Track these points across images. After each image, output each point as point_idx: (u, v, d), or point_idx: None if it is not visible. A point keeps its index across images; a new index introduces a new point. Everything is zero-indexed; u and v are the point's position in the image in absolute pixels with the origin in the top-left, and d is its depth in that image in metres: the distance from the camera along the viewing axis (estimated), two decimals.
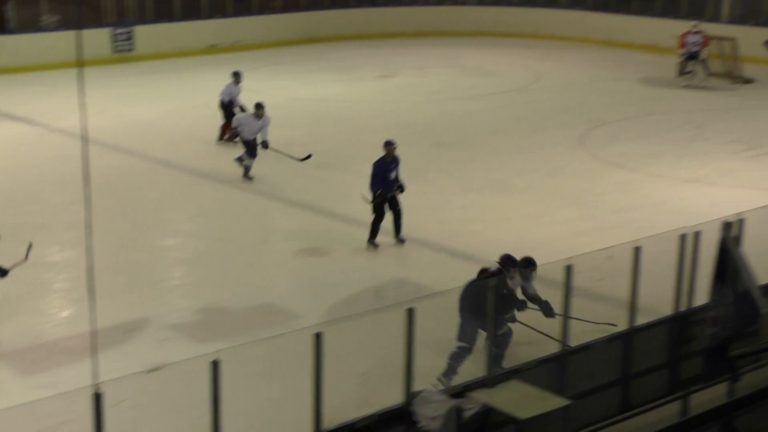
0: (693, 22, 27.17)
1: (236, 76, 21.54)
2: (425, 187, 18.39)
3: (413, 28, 34.50)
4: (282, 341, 11.23)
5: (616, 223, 16.20)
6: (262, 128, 18.97)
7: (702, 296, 10.15)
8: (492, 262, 11.71)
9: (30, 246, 12.36)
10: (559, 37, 33.75)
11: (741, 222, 11.23)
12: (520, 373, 9.60)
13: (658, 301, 11.18)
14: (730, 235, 8.95)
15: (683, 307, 10.94)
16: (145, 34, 29.16)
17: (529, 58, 30.96)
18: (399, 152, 19.89)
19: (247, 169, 19.10)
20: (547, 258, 13.29)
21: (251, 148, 19.05)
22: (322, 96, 26.21)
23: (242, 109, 20.99)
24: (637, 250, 10.48)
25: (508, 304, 11.06)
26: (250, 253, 15.63)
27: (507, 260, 11.57)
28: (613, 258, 14.10)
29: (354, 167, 20.12)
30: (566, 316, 10.16)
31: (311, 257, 15.36)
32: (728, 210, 12.90)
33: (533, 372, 9.68)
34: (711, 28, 28.61)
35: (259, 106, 18.99)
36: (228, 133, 21.13)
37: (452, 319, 11.11)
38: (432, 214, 17.02)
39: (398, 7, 35.52)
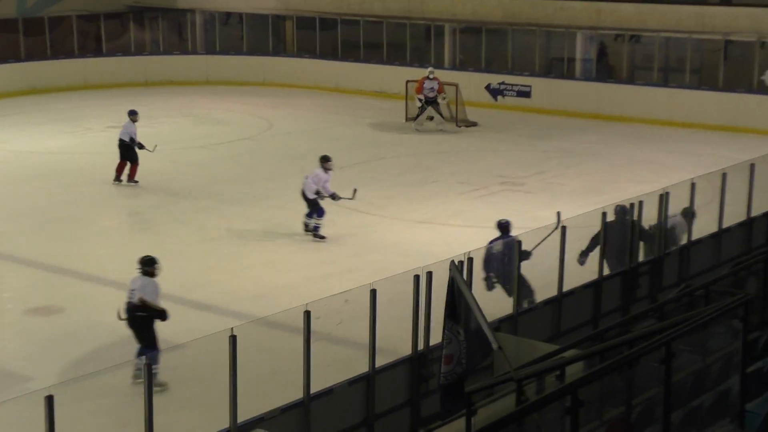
0: (429, 69, 28.05)
1: (133, 115, 21.80)
2: (161, 238, 18.13)
3: (142, 78, 33.99)
4: (11, 407, 10.67)
5: (353, 266, 16.40)
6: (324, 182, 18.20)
7: (438, 335, 10.37)
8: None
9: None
10: (289, 84, 34.10)
11: (470, 260, 11.62)
12: (263, 421, 9.50)
13: (396, 341, 11.34)
14: (459, 274, 9.16)
15: (421, 346, 11.14)
16: None
17: (261, 106, 31.07)
18: (131, 204, 19.47)
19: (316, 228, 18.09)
20: (288, 304, 13.30)
21: (316, 206, 18.12)
22: (48, 149, 25.37)
23: (141, 146, 21.39)
24: (373, 293, 10.62)
25: None
26: None
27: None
28: (351, 302, 14.29)
29: (86, 220, 19.65)
30: (307, 363, 10.13)
31: (43, 316, 14.78)
32: (460, 249, 13.31)
33: (277, 419, 9.61)
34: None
35: (326, 159, 18.33)
36: (122, 172, 21.54)
37: (196, 372, 10.91)
38: (169, 265, 16.62)
39: (125, 56, 34.93)
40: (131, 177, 21.69)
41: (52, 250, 17.59)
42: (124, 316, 12.62)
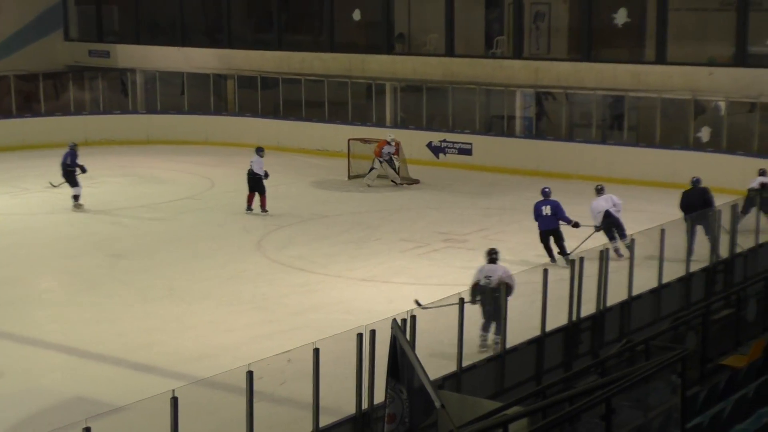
0: (390, 135, 28.11)
1: (260, 152, 24.72)
2: (102, 300, 17.95)
3: (82, 137, 33.71)
4: None
5: (296, 325, 16.32)
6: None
7: (382, 393, 10.34)
8: None
9: None
10: (231, 143, 34.06)
11: (414, 318, 11.63)
12: None
13: (340, 400, 11.30)
14: (401, 332, 9.17)
15: (365, 405, 11.11)
16: None
17: (203, 165, 30.99)
18: (72, 265, 19.30)
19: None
20: (231, 364, 13.18)
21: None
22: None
23: (266, 176, 24.18)
24: (316, 352, 10.57)
25: None
26: None
27: None
28: (294, 361, 14.21)
29: (25, 281, 19.39)
30: (250, 424, 10.04)
31: None
32: (403, 307, 13.31)
33: None
34: (375, 133, 29.88)
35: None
36: (252, 202, 24.23)
37: None
38: (110, 327, 16.54)
39: (65, 116, 34.73)
40: (263, 207, 24.11)
41: None
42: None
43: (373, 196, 26.64)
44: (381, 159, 27.47)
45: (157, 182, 28.74)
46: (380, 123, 31.94)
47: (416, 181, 28.10)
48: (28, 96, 35.20)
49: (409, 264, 20.08)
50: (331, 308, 17.32)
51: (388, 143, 27.62)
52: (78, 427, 8.73)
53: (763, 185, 21.32)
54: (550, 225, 19.72)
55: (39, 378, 14.70)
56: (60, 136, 33.47)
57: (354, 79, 32.80)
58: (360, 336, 10.95)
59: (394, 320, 9.28)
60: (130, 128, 35.03)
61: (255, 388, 9.99)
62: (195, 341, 15.74)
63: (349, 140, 29.16)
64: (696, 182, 20.56)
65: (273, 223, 23.09)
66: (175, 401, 9.31)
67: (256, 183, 24.31)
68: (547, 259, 18.68)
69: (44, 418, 13.04)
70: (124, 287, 18.74)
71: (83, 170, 24.83)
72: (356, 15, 33.50)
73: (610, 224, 20.02)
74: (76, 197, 24.98)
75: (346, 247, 21.39)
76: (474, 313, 13.06)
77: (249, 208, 24.29)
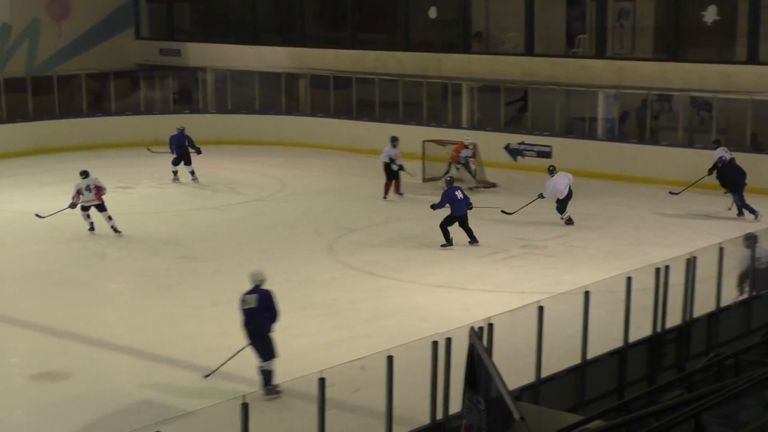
0: (467, 138, 27.72)
1: (394, 141, 26.07)
2: (171, 302, 17.86)
3: (152, 137, 33.79)
4: None
5: (369, 331, 16.01)
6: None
7: (457, 403, 10.00)
8: None
9: None
10: (302, 144, 33.89)
11: (491, 326, 11.26)
12: None
13: (414, 410, 11.03)
14: (479, 341, 8.84)
15: (439, 416, 10.82)
16: None
17: (274, 166, 30.82)
18: (141, 267, 19.26)
19: None
20: (302, 371, 12.95)
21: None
22: (56, 209, 25.09)
23: (401, 168, 25.82)
24: (390, 360, 10.32)
25: None
26: None
27: None
28: (367, 368, 13.92)
29: (95, 282, 19.37)
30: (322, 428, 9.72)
31: (49, 382, 14.44)
32: (479, 314, 12.96)
33: None
34: (451, 134, 29.45)
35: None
36: (390, 190, 25.93)
37: None
38: (179, 330, 16.39)
39: (134, 115, 34.85)
40: (397, 190, 26.07)
41: (58, 313, 17.27)
42: None
43: None
44: (459, 164, 27.01)
45: (226, 183, 28.61)
46: (456, 124, 31.47)
47: (493, 185, 27.59)
48: (99, 95, 35.44)
49: (485, 270, 19.64)
50: (404, 315, 16.97)
51: (466, 146, 27.15)
52: (149, 431, 8.58)
53: None
54: (463, 210, 21.16)
55: (108, 380, 14.67)
56: (130, 136, 33.78)
57: (429, 78, 32.41)
58: (435, 344, 10.67)
59: (472, 328, 8.99)
60: (199, 128, 34.94)
61: (327, 395, 9.73)
62: None
63: (423, 142, 28.74)
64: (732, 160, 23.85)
65: (345, 227, 22.81)
66: (245, 407, 9.10)
67: (389, 171, 25.79)
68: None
69: (113, 421, 13.04)
70: (193, 290, 18.59)
71: (198, 151, 27.92)
72: (432, 13, 33.11)
73: (568, 198, 22.90)
74: (192, 172, 28.07)
75: (421, 252, 20.99)
76: (553, 323, 12.59)
77: (390, 194, 25.97)
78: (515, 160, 30.26)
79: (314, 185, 28.20)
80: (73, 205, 22.24)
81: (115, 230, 22.20)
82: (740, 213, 23.57)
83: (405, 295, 18.21)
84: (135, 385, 14.33)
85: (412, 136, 29.95)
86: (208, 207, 25.21)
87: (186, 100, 36.81)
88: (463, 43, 32.85)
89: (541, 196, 23.28)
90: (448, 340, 10.68)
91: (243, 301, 13.91)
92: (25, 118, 32.98)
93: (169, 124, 34.50)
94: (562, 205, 23.11)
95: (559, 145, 29.71)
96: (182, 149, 28.14)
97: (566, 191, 23.00)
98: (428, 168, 28.28)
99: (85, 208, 22.38)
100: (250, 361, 14.84)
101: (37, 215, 22.85)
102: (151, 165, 30.40)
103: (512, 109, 31.74)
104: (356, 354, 13.50)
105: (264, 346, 13.72)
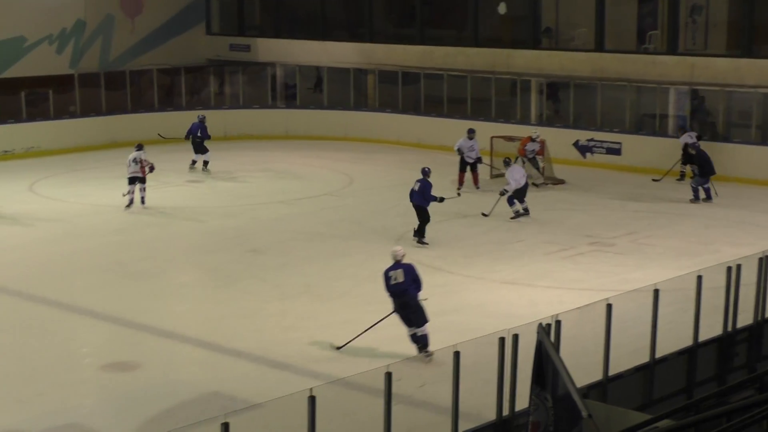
0: (535, 131, 27.60)
1: (470, 133, 26.45)
2: (239, 295, 17.96)
3: (220, 132, 34.06)
4: None
5: (436, 326, 15.90)
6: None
7: (524, 399, 9.95)
8: None
9: None
10: (370, 139, 33.92)
11: (558, 323, 11.19)
12: None
13: (480, 405, 11.03)
14: (547, 337, 8.78)
15: (506, 412, 10.81)
16: None
17: (342, 161, 30.89)
18: (209, 260, 19.44)
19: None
20: (368, 365, 12.98)
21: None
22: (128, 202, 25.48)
23: (479, 161, 26.41)
24: (456, 355, 10.30)
25: None
26: (51, 370, 14.75)
27: None
28: (434, 363, 13.93)
29: (165, 275, 19.57)
30: (387, 427, 9.72)
31: (119, 372, 14.62)
32: (546, 311, 12.90)
33: None
34: (519, 130, 29.26)
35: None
36: (463, 182, 26.31)
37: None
38: (247, 323, 16.49)
39: (205, 110, 35.09)
40: (475, 182, 26.57)
41: (129, 305, 17.46)
42: None
43: None
44: (525, 158, 26.86)
45: (295, 178, 28.72)
46: (524, 120, 31.26)
47: (561, 181, 27.38)
48: (170, 90, 35.77)
49: (552, 267, 19.49)
50: (470, 311, 16.92)
51: (533, 140, 26.98)
52: (216, 422, 8.67)
53: None
54: (418, 201, 21.13)
55: (177, 371, 14.80)
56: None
57: (498, 74, 32.24)
58: (502, 340, 10.64)
59: (540, 325, 8.91)
60: (268, 123, 35.18)
61: (393, 389, 9.79)
62: (330, 339, 15.52)
63: (492, 138, 28.60)
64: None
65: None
66: (312, 400, 9.18)
67: (463, 163, 26.20)
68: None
69: (182, 412, 13.13)
70: (261, 283, 18.69)
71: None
72: (502, 9, 32.89)
73: (525, 188, 23.21)
74: (206, 162, 28.48)
75: (488, 249, 20.91)
76: (621, 321, 12.48)
77: (472, 185, 26.36)
78: (584, 157, 30.00)
79: (382, 180, 28.19)
80: (151, 168, 24.33)
81: (143, 201, 24.13)
82: (708, 196, 24.72)
83: (471, 291, 18.15)
84: (203, 376, 14.46)
85: (481, 132, 29.76)
86: (276, 201, 25.34)
87: (290, 96, 36.89)
88: (532, 38, 32.61)
89: (504, 191, 23.07)
90: (515, 337, 10.67)
91: (389, 278, 14.85)
92: (98, 112, 33.43)
93: (238, 118, 34.86)
94: (519, 195, 23.06)
95: (629, 141, 29.38)
96: (194, 138, 28.60)
97: (523, 180, 23.10)
98: (496, 164, 28.14)
99: (131, 181, 24.10)
100: (320, 353, 14.94)
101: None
102: (221, 159, 30.65)
103: (579, 105, 31.41)
104: None
105: (416, 314, 14.73)
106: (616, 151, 29.33)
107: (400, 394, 10.15)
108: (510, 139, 28.43)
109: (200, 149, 28.62)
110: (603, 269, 19.27)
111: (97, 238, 21.98)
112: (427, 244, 20.91)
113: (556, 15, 33.26)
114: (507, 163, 23.77)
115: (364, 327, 15.55)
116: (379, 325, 15.47)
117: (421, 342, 14.63)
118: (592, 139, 29.92)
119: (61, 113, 32.74)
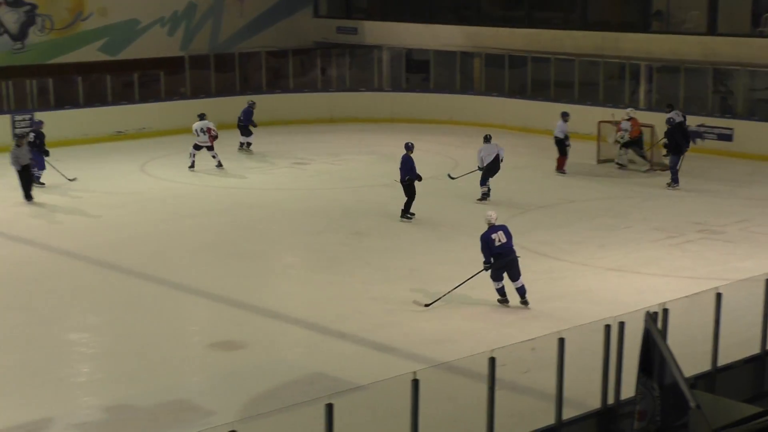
0: (627, 110, 27.26)
1: (565, 116, 26.10)
2: (343, 278, 18.05)
3: (327, 115, 34.27)
4: None
5: (540, 312, 15.89)
6: None
7: (629, 388, 9.84)
8: None
9: None
10: (476, 123, 33.72)
11: (666, 312, 11.02)
12: None
13: (584, 393, 10.91)
14: (655, 326, 8.66)
15: (611, 400, 10.70)
16: (48, 121, 28.10)
17: (447, 145, 30.80)
18: (314, 241, 19.53)
19: None
20: (471, 350, 12.96)
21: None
22: (235, 183, 25.79)
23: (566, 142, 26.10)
24: (561, 342, 10.23)
25: None
26: (160, 346, 15.06)
27: None
28: (538, 349, 13.82)
29: (270, 255, 19.79)
30: (491, 412, 9.68)
31: (225, 351, 14.83)
32: (652, 299, 12.71)
33: None
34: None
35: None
36: (563, 165, 26.22)
37: (376, 414, 10.67)
38: (351, 305, 16.58)
39: (312, 93, 35.35)
40: (558, 167, 26.33)
41: (235, 285, 17.69)
42: None
43: (624, 182, 25.73)
44: (620, 140, 26.54)
45: (399, 161, 28.64)
46: (634, 105, 30.74)
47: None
48: (277, 72, 36.09)
49: (660, 254, 19.18)
50: (576, 297, 16.76)
51: (625, 119, 26.68)
52: (320, 402, 8.72)
53: None
54: (401, 178, 21.73)
55: (282, 351, 14.96)
56: (306, 113, 34.35)
57: (606, 58, 31.76)
58: (608, 327, 10.52)
59: (647, 313, 8.78)
60: (374, 106, 35.24)
61: (497, 375, 9.74)
62: (435, 323, 15.56)
63: (599, 123, 28.24)
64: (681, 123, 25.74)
65: (517, 208, 22.62)
66: (416, 383, 9.18)
67: (561, 146, 26.17)
68: None
69: (286, 391, 13.27)
70: (365, 266, 18.77)
71: (254, 125, 29.22)
72: None
73: (493, 170, 23.37)
74: (249, 144, 29.53)
75: (594, 235, 20.67)
76: (731, 311, 12.22)
77: (561, 170, 26.38)
78: (694, 142, 29.40)
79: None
80: (215, 137, 26.58)
81: (219, 165, 26.72)
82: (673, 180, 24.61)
83: (577, 277, 17.97)
84: (308, 357, 14.60)
85: (588, 116, 29.46)
86: (381, 184, 25.39)
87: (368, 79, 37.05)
88: (642, 21, 32.10)
89: (479, 168, 23.54)
90: (621, 324, 10.54)
91: (492, 240, 16.11)
92: (207, 94, 33.92)
93: (344, 101, 35.02)
94: (488, 174, 23.36)
95: (741, 127, 28.70)
96: (238, 122, 29.62)
97: (489, 159, 23.22)
98: (603, 149, 27.80)
99: (197, 147, 26.54)
100: (423, 337, 14.96)
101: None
102: (325, 142, 30.88)
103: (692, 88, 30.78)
104: (527, 335, 13.48)
105: (518, 268, 16.09)
106: (728, 137, 28.68)
107: (503, 379, 10.07)
108: (617, 123, 28.03)
109: (244, 132, 29.53)
110: (712, 257, 18.92)
111: (204, 217, 22.33)
112: (411, 217, 21.73)
113: None
114: (487, 139, 24.00)
115: (468, 311, 15.54)
116: (487, 310, 15.47)
117: (523, 291, 16.06)
118: (702, 125, 29.31)
119: (171, 95, 33.37)
